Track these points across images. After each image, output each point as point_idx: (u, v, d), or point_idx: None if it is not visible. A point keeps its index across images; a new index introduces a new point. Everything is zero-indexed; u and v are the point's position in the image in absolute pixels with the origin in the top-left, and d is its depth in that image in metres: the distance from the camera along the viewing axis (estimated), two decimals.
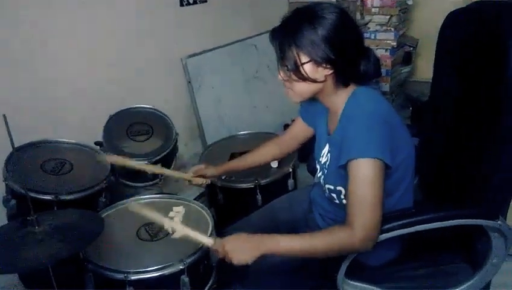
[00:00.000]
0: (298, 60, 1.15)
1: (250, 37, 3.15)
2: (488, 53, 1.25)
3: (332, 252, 1.16)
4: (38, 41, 1.94)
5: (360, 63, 1.19)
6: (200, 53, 2.79)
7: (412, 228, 1.17)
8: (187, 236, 1.26)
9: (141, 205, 1.34)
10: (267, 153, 1.65)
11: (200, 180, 1.65)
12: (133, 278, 1.27)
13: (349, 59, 1.17)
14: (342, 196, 1.23)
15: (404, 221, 1.17)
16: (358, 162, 1.09)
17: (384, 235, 1.14)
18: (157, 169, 1.74)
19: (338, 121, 1.23)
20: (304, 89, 1.20)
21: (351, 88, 1.21)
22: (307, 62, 1.14)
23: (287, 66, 1.17)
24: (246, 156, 1.68)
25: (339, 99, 1.22)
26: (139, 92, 2.39)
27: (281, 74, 1.21)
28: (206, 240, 1.24)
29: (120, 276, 1.27)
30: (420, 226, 1.17)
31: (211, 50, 2.87)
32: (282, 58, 1.17)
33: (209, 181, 1.69)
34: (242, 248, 1.15)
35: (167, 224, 1.34)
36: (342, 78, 1.19)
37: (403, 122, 1.22)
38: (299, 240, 1.15)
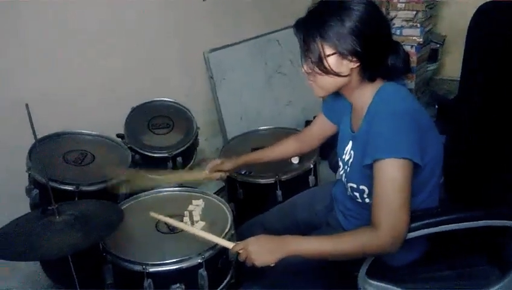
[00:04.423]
0: (322, 52, 1.11)
1: (273, 32, 3.12)
2: None
3: (359, 255, 1.14)
4: (62, 33, 1.96)
5: (388, 57, 1.15)
6: (223, 47, 2.77)
7: (437, 227, 1.14)
8: (207, 239, 1.26)
9: (159, 213, 1.36)
10: (286, 149, 1.62)
11: (218, 175, 1.65)
12: (151, 270, 1.27)
13: (376, 53, 1.13)
14: (365, 195, 1.20)
15: (429, 220, 1.14)
16: (385, 162, 1.05)
17: (408, 234, 1.10)
18: (175, 177, 1.79)
19: (363, 118, 1.19)
20: (327, 83, 1.17)
21: (378, 84, 1.17)
22: (331, 54, 1.11)
23: (310, 59, 1.14)
24: (264, 150, 1.66)
25: (365, 95, 1.18)
26: (161, 86, 2.39)
27: (305, 67, 1.18)
28: (226, 243, 1.24)
29: (138, 268, 1.27)
30: (445, 226, 1.13)
31: (233, 44, 2.85)
32: (306, 50, 1.14)
33: (228, 174, 1.69)
34: (265, 250, 1.13)
35: (187, 229, 1.33)
36: (368, 73, 1.15)
37: (431, 120, 1.17)
38: (324, 242, 1.12)
